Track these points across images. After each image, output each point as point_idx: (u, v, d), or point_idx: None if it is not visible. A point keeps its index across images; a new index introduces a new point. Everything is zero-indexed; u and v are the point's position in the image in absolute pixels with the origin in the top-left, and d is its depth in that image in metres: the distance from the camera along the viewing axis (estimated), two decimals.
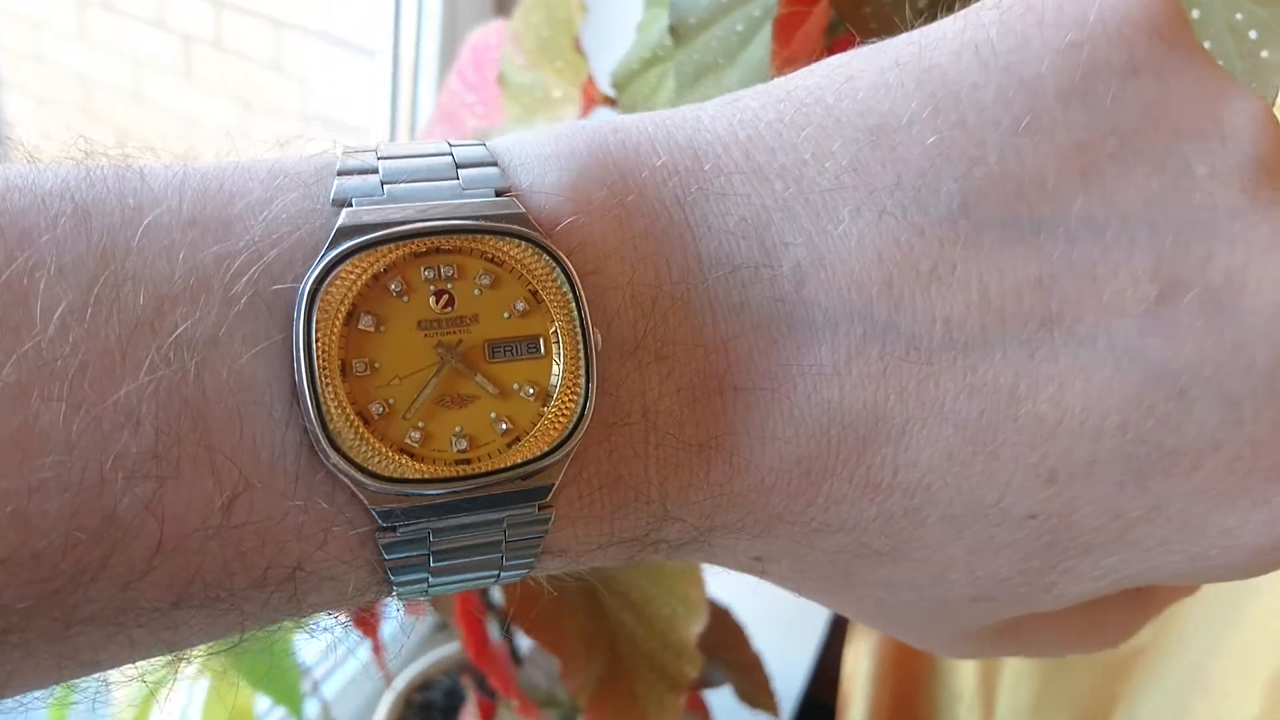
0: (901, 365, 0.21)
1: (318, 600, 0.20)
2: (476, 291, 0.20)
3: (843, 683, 0.69)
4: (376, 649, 0.82)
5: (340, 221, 0.20)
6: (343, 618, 0.23)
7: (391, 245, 0.20)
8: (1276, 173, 0.21)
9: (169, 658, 0.21)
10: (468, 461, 0.20)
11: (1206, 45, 0.32)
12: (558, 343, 0.20)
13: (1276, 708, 0.46)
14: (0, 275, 0.17)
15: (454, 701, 0.96)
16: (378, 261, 0.20)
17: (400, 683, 0.96)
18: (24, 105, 1.59)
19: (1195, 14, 0.31)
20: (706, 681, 0.73)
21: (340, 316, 0.19)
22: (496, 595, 0.74)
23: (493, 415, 0.20)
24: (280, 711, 0.85)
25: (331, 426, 0.19)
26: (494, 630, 0.76)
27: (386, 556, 0.20)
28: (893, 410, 0.21)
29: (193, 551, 0.18)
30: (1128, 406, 0.20)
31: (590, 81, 0.53)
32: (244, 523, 0.18)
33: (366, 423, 0.19)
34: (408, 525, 0.20)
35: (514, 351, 0.21)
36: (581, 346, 0.20)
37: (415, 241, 0.20)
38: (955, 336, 0.21)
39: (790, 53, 0.35)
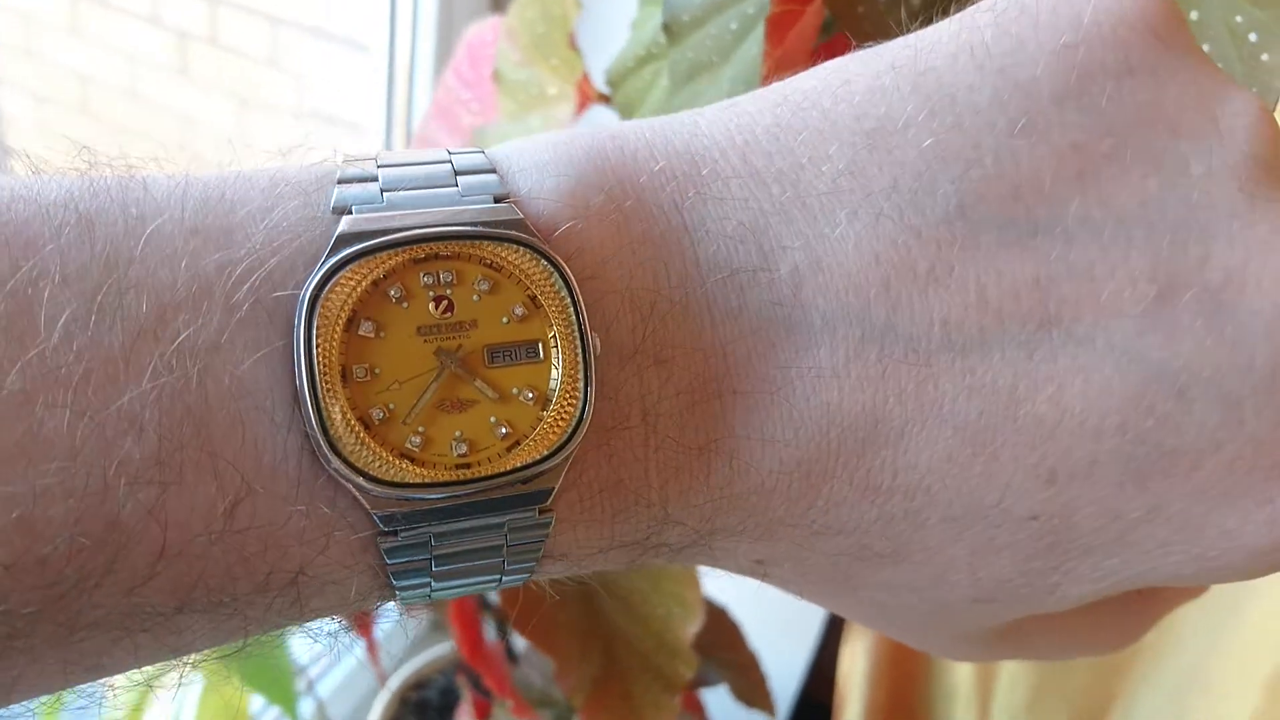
0: (900, 367, 0.21)
1: (321, 605, 0.21)
2: (475, 297, 0.21)
3: (839, 682, 0.69)
4: (371, 648, 0.81)
5: (340, 229, 0.20)
6: (340, 619, 0.23)
7: (391, 252, 0.20)
8: (1274, 171, 0.21)
9: (172, 662, 0.21)
10: (468, 466, 0.20)
11: (1205, 48, 0.31)
12: (556, 347, 0.21)
13: (1275, 707, 0.46)
14: (5, 284, 0.17)
15: (449, 700, 0.96)
16: (377, 268, 0.20)
17: (395, 682, 0.96)
18: (19, 102, 1.59)
19: (1194, 15, 0.31)
20: (703, 681, 0.73)
21: (340, 322, 0.19)
22: (492, 595, 0.74)
23: (492, 419, 0.20)
24: (275, 711, 0.85)
25: (332, 432, 0.19)
26: (489, 630, 0.76)
27: (388, 561, 0.20)
28: (892, 412, 0.21)
29: (196, 556, 0.18)
30: (1127, 406, 0.20)
31: (585, 78, 0.53)
32: (246, 528, 0.18)
33: (367, 428, 0.19)
34: (409, 529, 0.20)
35: (513, 356, 0.21)
36: (580, 351, 0.20)
37: (414, 248, 0.20)
38: (954, 338, 0.21)
39: (783, 52, 0.35)
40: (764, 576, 0.25)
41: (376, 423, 0.20)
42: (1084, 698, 0.57)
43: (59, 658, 0.18)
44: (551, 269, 0.20)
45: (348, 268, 0.19)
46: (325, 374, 0.19)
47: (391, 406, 0.20)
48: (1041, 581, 0.23)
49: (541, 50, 0.54)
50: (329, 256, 0.19)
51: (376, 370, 0.20)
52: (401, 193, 0.21)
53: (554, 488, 0.21)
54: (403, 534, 0.20)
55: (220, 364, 0.18)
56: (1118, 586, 0.23)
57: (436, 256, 0.20)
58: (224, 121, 1.46)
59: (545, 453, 0.20)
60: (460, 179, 0.21)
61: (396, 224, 0.20)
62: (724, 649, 0.72)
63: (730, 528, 0.22)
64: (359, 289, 0.20)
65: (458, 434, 0.20)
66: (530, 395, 0.21)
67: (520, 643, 0.79)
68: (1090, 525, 0.22)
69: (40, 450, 0.17)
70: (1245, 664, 0.48)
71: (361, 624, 0.74)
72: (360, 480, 0.19)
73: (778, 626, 0.87)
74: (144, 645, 0.19)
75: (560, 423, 0.20)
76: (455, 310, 0.20)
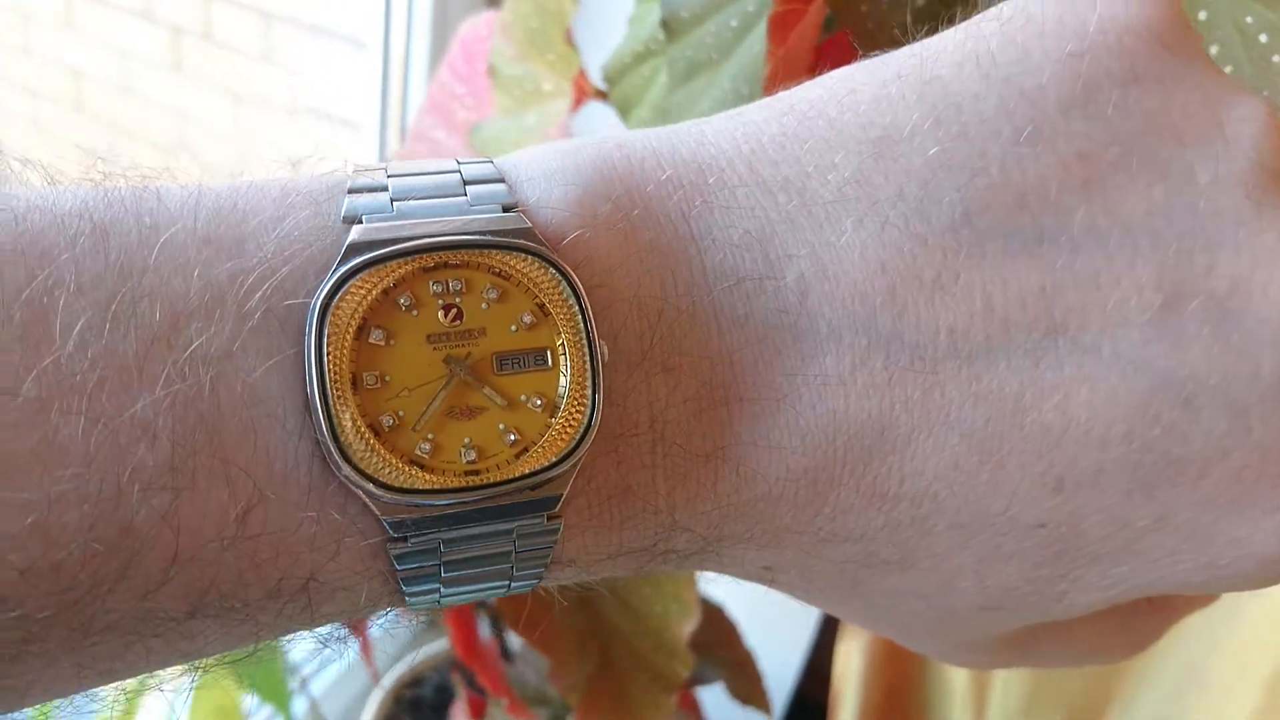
0: (906, 375, 0.21)
1: (331, 610, 0.21)
2: (484, 305, 0.21)
3: (834, 681, 0.69)
4: (365, 646, 0.81)
5: (351, 238, 0.20)
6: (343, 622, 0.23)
7: (401, 261, 0.20)
8: None
9: (184, 666, 0.21)
10: (476, 472, 0.20)
11: (1214, 50, 0.31)
12: (565, 355, 0.21)
13: (1275, 706, 0.46)
14: (21, 293, 0.17)
15: (444, 698, 0.96)
16: (387, 277, 0.20)
17: (389, 680, 0.96)
18: (12, 99, 1.58)
19: (1202, 16, 0.31)
20: (699, 679, 0.73)
21: (351, 331, 0.20)
22: None
23: (501, 426, 0.21)
24: (269, 709, 0.84)
25: (343, 439, 0.19)
26: (484, 627, 0.76)
27: (398, 567, 0.20)
28: (898, 419, 0.21)
29: (208, 562, 0.18)
30: (1133, 415, 0.20)
31: (582, 74, 0.53)
32: (258, 534, 0.19)
33: (377, 435, 0.20)
34: (419, 536, 0.20)
35: (521, 364, 0.21)
36: (588, 358, 0.21)
37: (424, 257, 0.20)
38: (959, 346, 0.21)
39: (785, 50, 0.35)
40: (771, 583, 0.25)
41: (386, 430, 0.20)
42: (1081, 697, 0.57)
43: (73, 661, 0.19)
44: (559, 277, 0.21)
45: (358, 276, 0.20)
46: (336, 381, 0.19)
47: (401, 414, 0.20)
48: (1049, 589, 0.23)
49: (537, 45, 0.54)
50: (339, 265, 0.20)
51: (386, 378, 0.20)
52: (411, 202, 0.21)
53: (562, 494, 0.21)
54: (412, 540, 0.20)
55: (232, 371, 0.19)
56: (1126, 595, 0.23)
57: (446, 265, 0.21)
58: (218, 118, 1.45)
59: (554, 459, 0.20)
60: (469, 188, 0.22)
61: (406, 233, 0.20)
62: (720, 647, 0.71)
63: (738, 535, 0.22)
64: (369, 297, 0.20)
65: (467, 441, 0.20)
66: (539, 402, 0.21)
67: (515, 641, 0.78)
68: (1098, 533, 0.22)
69: (55, 457, 0.17)
70: (1244, 663, 0.48)
71: (356, 622, 0.74)
72: (370, 487, 0.19)
73: (773, 625, 0.87)
74: (156, 650, 0.19)
75: (568, 429, 0.21)
76: (464, 318, 0.21)
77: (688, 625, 0.58)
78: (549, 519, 0.21)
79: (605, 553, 0.22)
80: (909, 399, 0.21)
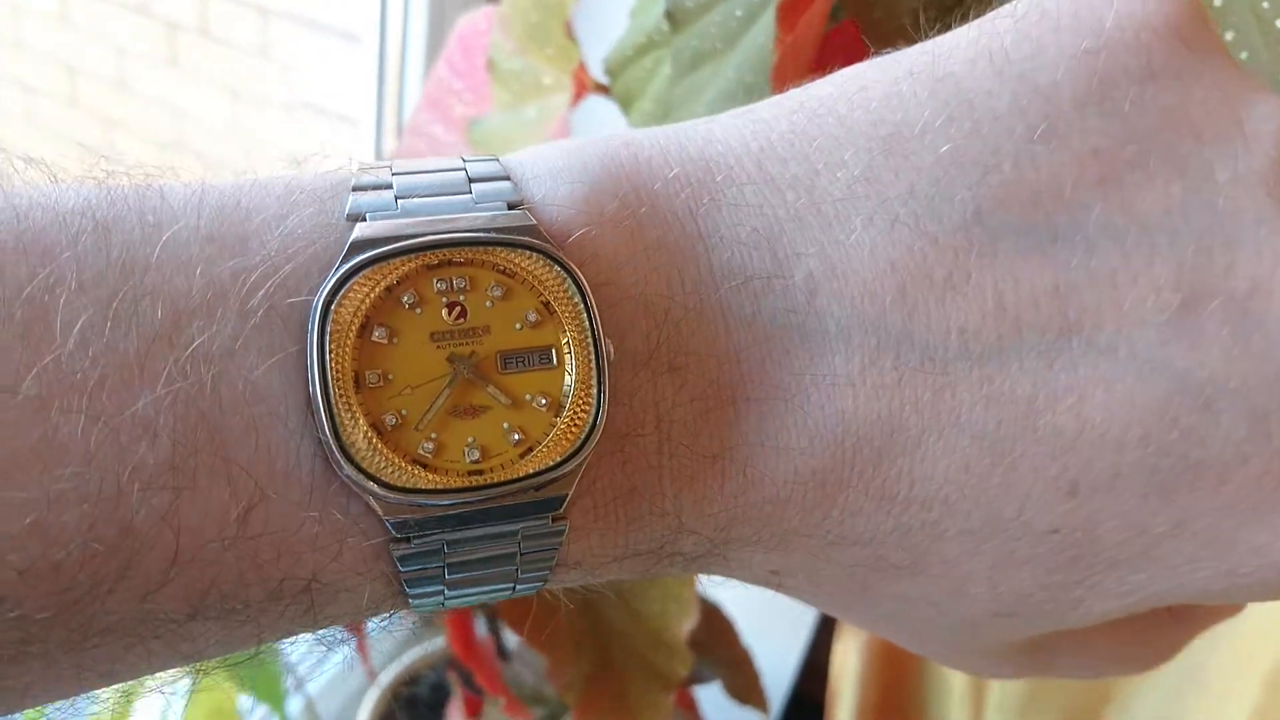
0: (916, 375, 0.21)
1: (334, 612, 0.20)
2: (488, 303, 0.21)
3: (831, 680, 0.68)
4: (361, 644, 0.81)
5: (354, 235, 0.20)
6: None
7: (404, 258, 0.20)
8: None
9: (186, 668, 0.21)
10: (480, 472, 0.20)
11: (1229, 36, 0.31)
12: (570, 353, 0.21)
13: (1275, 704, 0.46)
14: (22, 291, 0.17)
15: (440, 696, 0.96)
16: (390, 274, 0.20)
17: (385, 678, 0.96)
18: (6, 93, 1.58)
19: (1217, 2, 0.30)
20: (696, 678, 0.73)
21: (354, 328, 0.19)
22: None
23: (505, 426, 0.20)
24: (264, 709, 0.84)
25: (345, 437, 0.19)
26: (480, 626, 0.76)
27: (401, 569, 0.20)
28: (908, 421, 0.21)
29: (208, 563, 0.18)
30: (1150, 418, 0.20)
31: (582, 68, 0.53)
32: (259, 534, 0.18)
33: (380, 433, 0.19)
34: (422, 536, 0.20)
35: (526, 362, 0.21)
36: (594, 357, 0.20)
37: (427, 254, 0.20)
38: (971, 346, 0.21)
39: (794, 38, 0.35)
40: (779, 587, 0.25)
41: (389, 428, 0.20)
42: (1079, 696, 0.56)
43: (73, 663, 0.18)
44: (564, 274, 0.20)
45: (361, 273, 0.19)
46: (338, 379, 0.19)
47: (404, 412, 0.20)
48: (1064, 596, 0.23)
49: (537, 39, 0.54)
50: (342, 263, 0.19)
51: (389, 376, 0.20)
52: (415, 200, 0.21)
53: (567, 495, 0.21)
54: (416, 541, 0.20)
55: (234, 370, 0.18)
56: (1145, 603, 0.23)
57: (450, 263, 0.20)
58: (215, 114, 1.45)
59: (559, 459, 0.20)
60: (474, 186, 0.21)
61: (410, 230, 0.20)
62: (718, 646, 0.71)
63: (745, 538, 0.22)
64: (372, 295, 0.20)
65: (470, 440, 0.20)
66: (543, 401, 0.21)
67: (512, 639, 0.78)
68: (1114, 539, 0.21)
69: (55, 455, 0.17)
70: (1244, 661, 0.47)
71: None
72: (372, 486, 0.19)
73: (771, 623, 0.87)
74: (157, 652, 0.19)
75: (574, 429, 0.20)
76: (468, 316, 0.20)
77: (686, 624, 0.58)
78: (554, 520, 0.21)
79: (611, 555, 0.22)
80: (919, 400, 0.21)
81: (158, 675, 0.21)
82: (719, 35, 0.38)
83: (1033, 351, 0.20)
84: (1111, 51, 0.21)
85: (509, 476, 0.20)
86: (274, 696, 0.78)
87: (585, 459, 0.20)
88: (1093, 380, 0.20)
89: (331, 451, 0.19)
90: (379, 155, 1.05)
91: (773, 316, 0.21)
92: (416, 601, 0.21)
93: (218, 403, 0.18)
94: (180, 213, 0.19)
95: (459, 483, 0.20)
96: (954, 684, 0.66)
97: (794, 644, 1.07)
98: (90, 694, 0.20)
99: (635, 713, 0.60)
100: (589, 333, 0.20)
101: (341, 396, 0.19)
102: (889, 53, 0.23)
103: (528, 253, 0.20)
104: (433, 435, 0.20)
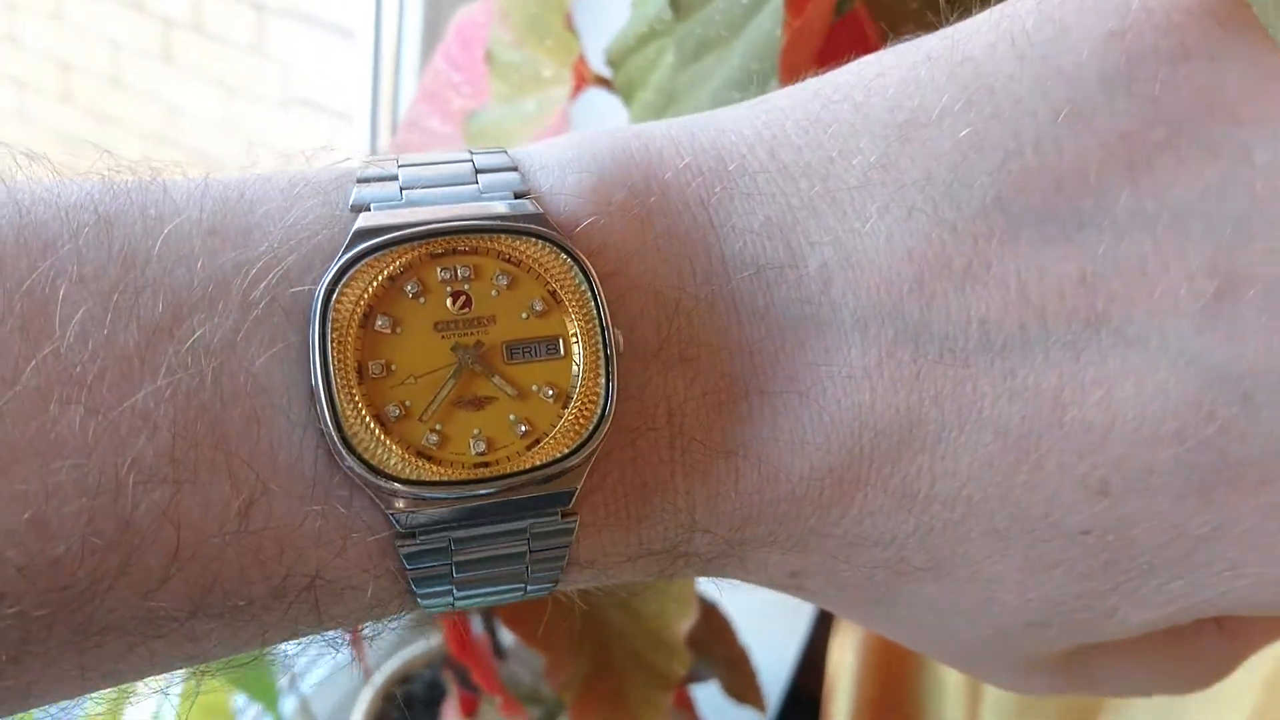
0: (935, 368, 0.20)
1: (340, 612, 0.20)
2: (494, 292, 0.20)
3: (828, 675, 0.68)
4: (356, 642, 0.80)
5: (357, 225, 0.20)
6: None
7: (407, 246, 0.20)
8: None
9: (191, 670, 0.21)
10: (487, 464, 0.20)
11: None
12: (578, 343, 0.20)
13: (1274, 705, 0.46)
14: (22, 283, 0.17)
15: (435, 695, 0.95)
16: (393, 262, 0.20)
17: (380, 677, 0.95)
18: (0, 89, 1.57)
19: None
20: (694, 677, 0.73)
21: (356, 318, 0.19)
22: None
23: (511, 417, 0.20)
24: (258, 708, 0.84)
25: (347, 428, 0.19)
26: (476, 624, 0.75)
27: (408, 567, 0.20)
28: (928, 415, 0.20)
29: (210, 559, 0.18)
30: (1185, 411, 0.19)
31: (582, 60, 0.52)
32: (261, 528, 0.18)
33: (383, 425, 0.19)
34: (428, 533, 0.20)
35: (533, 352, 0.20)
36: (601, 346, 0.20)
37: (431, 242, 0.20)
38: (992, 337, 0.20)
39: (802, 23, 0.34)
40: (799, 591, 0.24)
41: (392, 420, 0.19)
42: (1076, 696, 0.56)
43: (75, 663, 0.18)
44: (572, 263, 0.20)
45: (363, 262, 0.19)
46: (340, 369, 0.19)
47: (408, 403, 0.19)
48: (1099, 604, 0.22)
49: (536, 31, 0.53)
50: (344, 251, 0.19)
51: (392, 366, 0.19)
52: (421, 190, 0.21)
53: (576, 489, 0.20)
54: (421, 537, 0.19)
55: (235, 362, 0.18)
56: (1187, 613, 0.22)
57: (454, 251, 0.20)
58: (209, 109, 1.45)
59: (567, 450, 0.20)
60: (481, 177, 0.21)
61: (413, 219, 0.20)
62: (715, 645, 0.71)
63: (761, 537, 0.22)
64: (374, 284, 0.19)
65: (476, 432, 0.20)
66: (550, 392, 0.20)
67: (508, 637, 0.78)
68: (1150, 542, 0.20)
69: (53, 448, 0.17)
70: (1245, 662, 0.47)
71: None
72: (375, 478, 0.19)
73: (768, 620, 0.87)
74: (160, 652, 0.19)
75: (581, 420, 0.20)
76: (473, 306, 0.20)
77: (686, 623, 0.58)
78: (563, 516, 0.20)
79: (624, 554, 0.21)
80: (939, 394, 0.20)
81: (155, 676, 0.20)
82: (724, 22, 0.38)
83: (1058, 343, 0.20)
84: (1140, 31, 0.20)
85: (516, 468, 0.20)
86: (268, 695, 0.78)
87: (594, 450, 0.20)
88: (1122, 373, 0.19)
89: (334, 443, 0.18)
90: (374, 151, 1.05)
91: (786, 307, 0.20)
92: (426, 602, 0.21)
93: (219, 395, 0.18)
94: (183, 206, 0.19)
95: (465, 474, 0.19)
96: (950, 681, 0.66)
97: (791, 640, 1.07)
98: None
99: (633, 712, 0.59)
100: (597, 322, 0.20)
101: (344, 387, 0.19)
102: (907, 39, 0.22)
103: (534, 240, 0.20)
104: (437, 427, 0.19)
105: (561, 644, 0.58)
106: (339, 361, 0.19)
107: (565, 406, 0.20)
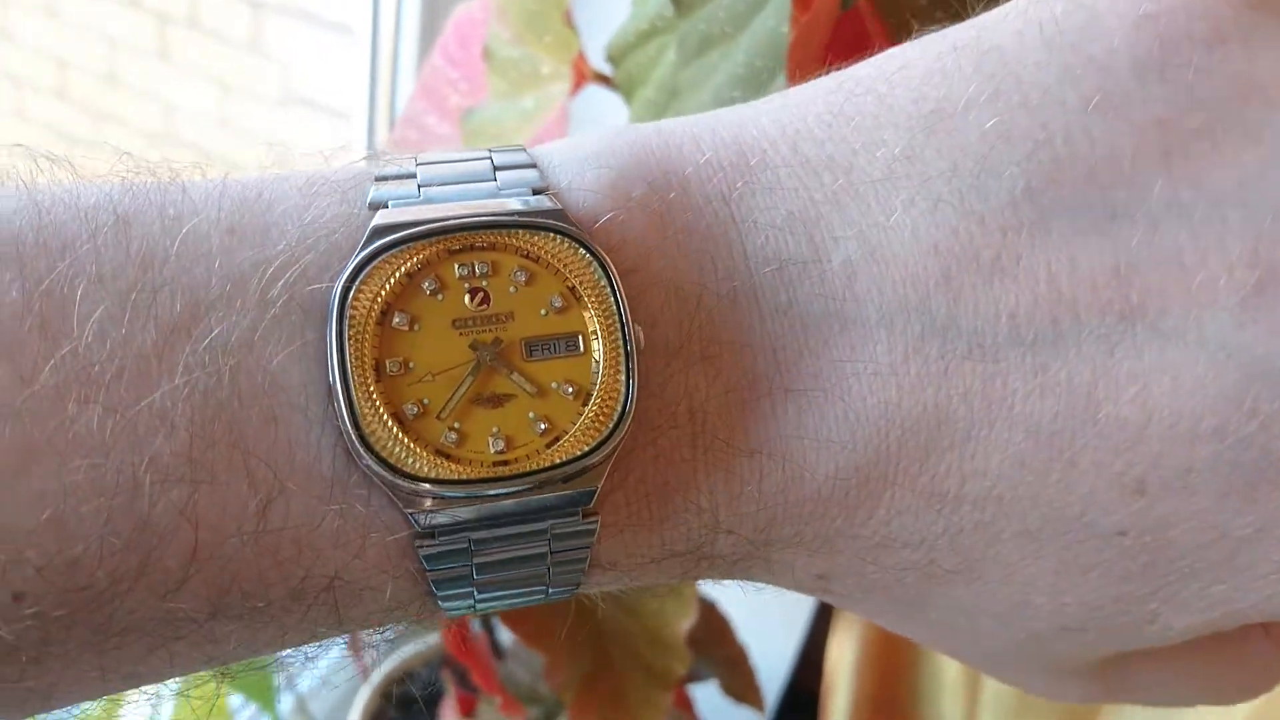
0: (964, 364, 0.20)
1: (359, 614, 0.20)
2: (512, 288, 0.20)
3: (826, 672, 0.68)
4: (353, 641, 0.80)
5: (375, 222, 0.20)
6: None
7: (424, 242, 0.20)
8: None
9: (211, 672, 0.20)
10: (506, 463, 0.19)
11: None
12: (597, 340, 0.20)
13: (1274, 705, 0.45)
14: (41, 283, 0.17)
15: (433, 695, 0.95)
16: (410, 259, 0.19)
17: (377, 676, 0.95)
18: None
19: None
20: (692, 676, 0.72)
21: (374, 315, 0.19)
22: None
23: (531, 415, 0.20)
24: (254, 707, 0.84)
25: (365, 427, 0.18)
26: (475, 623, 0.75)
27: (429, 568, 0.19)
28: (956, 413, 0.20)
29: (228, 559, 0.18)
30: (1226, 407, 0.19)
31: (581, 57, 0.52)
32: (280, 528, 0.18)
33: (401, 423, 0.19)
34: (448, 533, 0.19)
35: (552, 349, 0.20)
36: (622, 343, 0.20)
37: (449, 238, 0.20)
38: (1022, 332, 0.19)
39: (810, 18, 0.34)
40: (826, 593, 0.23)
41: (410, 418, 0.19)
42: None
43: (95, 664, 0.18)
44: (591, 258, 0.20)
45: (380, 259, 0.19)
46: (358, 366, 0.19)
47: (426, 401, 0.19)
48: (1138, 609, 0.21)
49: (534, 28, 0.53)
50: (362, 249, 0.19)
51: (410, 363, 0.19)
52: (438, 188, 0.21)
53: (597, 488, 0.20)
54: (441, 537, 0.19)
55: (253, 360, 0.18)
56: (1230, 619, 0.21)
57: (472, 247, 0.20)
58: (206, 107, 1.44)
59: (587, 448, 0.19)
60: (499, 174, 0.21)
61: (430, 216, 0.20)
62: (714, 644, 0.71)
63: (786, 539, 0.21)
64: (392, 280, 0.19)
65: (495, 430, 0.20)
66: (570, 390, 0.20)
67: (507, 637, 0.78)
68: (1190, 543, 0.20)
69: (71, 447, 0.17)
70: None
71: None
72: (394, 477, 0.19)
73: (766, 618, 0.87)
74: (180, 653, 0.19)
75: (602, 418, 0.20)
76: (491, 302, 0.20)
77: (684, 622, 0.58)
78: (584, 515, 0.20)
79: (647, 555, 0.21)
80: (968, 390, 0.20)
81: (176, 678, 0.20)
82: (727, 19, 0.37)
83: (1091, 337, 0.19)
84: (1173, 16, 0.20)
85: (536, 466, 0.19)
86: (265, 695, 0.77)
87: (615, 448, 0.20)
88: (1159, 367, 0.19)
89: (351, 441, 0.18)
90: (371, 148, 1.04)
91: (810, 303, 0.20)
92: (447, 604, 0.20)
93: (236, 394, 0.18)
94: (201, 206, 0.19)
95: (484, 473, 0.19)
96: (948, 677, 0.65)
97: (790, 639, 1.07)
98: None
99: (632, 712, 0.59)
100: (617, 318, 0.20)
101: (361, 385, 0.19)
102: (932, 30, 0.22)
103: (552, 236, 0.20)
104: (455, 425, 0.19)
105: (560, 643, 0.58)
106: (356, 359, 0.19)
107: (585, 404, 0.20)
